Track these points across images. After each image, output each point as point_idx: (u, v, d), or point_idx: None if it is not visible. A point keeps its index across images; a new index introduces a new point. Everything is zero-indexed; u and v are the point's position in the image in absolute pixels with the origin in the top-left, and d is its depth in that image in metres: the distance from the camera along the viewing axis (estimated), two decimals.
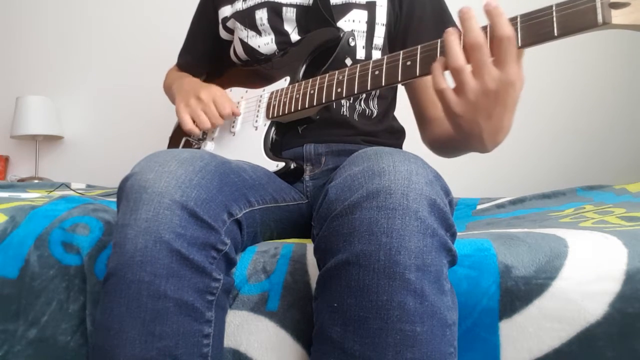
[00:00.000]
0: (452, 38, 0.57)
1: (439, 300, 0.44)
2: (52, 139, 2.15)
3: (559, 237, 0.55)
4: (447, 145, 0.83)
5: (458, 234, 0.51)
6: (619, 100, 1.69)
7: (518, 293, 0.50)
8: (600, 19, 0.52)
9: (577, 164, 1.70)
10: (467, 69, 0.56)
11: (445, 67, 0.58)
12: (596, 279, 0.49)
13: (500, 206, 1.07)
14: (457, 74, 0.57)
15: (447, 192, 0.51)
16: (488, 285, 0.51)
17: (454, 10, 0.91)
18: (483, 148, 0.63)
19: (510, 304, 0.50)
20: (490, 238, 0.57)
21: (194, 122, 0.82)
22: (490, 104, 0.56)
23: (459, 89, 0.57)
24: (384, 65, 0.67)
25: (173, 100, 1.05)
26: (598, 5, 0.52)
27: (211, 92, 0.83)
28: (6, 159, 2.20)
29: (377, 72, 0.68)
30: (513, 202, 1.07)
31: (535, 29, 0.56)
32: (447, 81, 0.59)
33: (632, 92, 1.68)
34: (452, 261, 0.48)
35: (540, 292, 0.50)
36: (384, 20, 0.88)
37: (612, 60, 1.69)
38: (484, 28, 0.56)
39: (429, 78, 0.62)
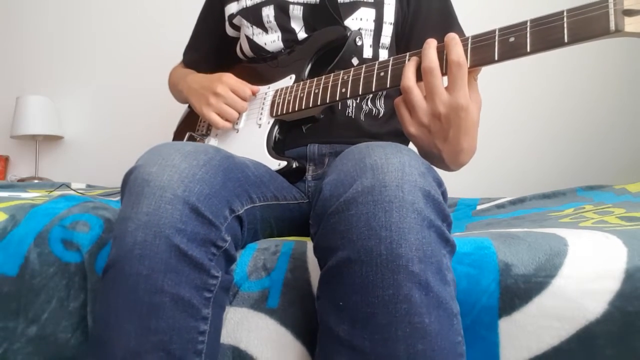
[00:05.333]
0: (410, 63, 0.62)
1: (444, 291, 0.44)
2: (52, 139, 2.15)
3: (559, 235, 0.55)
4: None
5: (458, 234, 0.51)
6: (619, 100, 1.69)
7: (518, 291, 0.50)
8: (612, 26, 0.50)
9: (577, 164, 1.70)
10: (416, 90, 0.61)
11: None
12: (596, 278, 0.49)
13: (500, 206, 1.07)
14: (406, 94, 0.61)
15: (439, 183, 0.51)
16: (488, 283, 0.51)
17: (459, 11, 0.91)
18: (446, 168, 0.66)
19: (509, 302, 0.50)
20: (490, 237, 0.57)
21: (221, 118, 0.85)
22: (443, 127, 0.60)
23: (411, 110, 0.62)
24: (390, 66, 0.67)
25: (179, 98, 1.06)
26: (611, 12, 0.50)
27: (224, 82, 0.85)
28: (6, 159, 2.20)
29: (382, 74, 0.68)
30: (513, 202, 1.07)
31: (545, 34, 0.54)
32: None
33: (632, 92, 1.69)
34: (452, 250, 0.48)
35: (540, 290, 0.50)
36: (392, 19, 0.87)
37: (612, 60, 1.70)
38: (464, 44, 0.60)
39: None
